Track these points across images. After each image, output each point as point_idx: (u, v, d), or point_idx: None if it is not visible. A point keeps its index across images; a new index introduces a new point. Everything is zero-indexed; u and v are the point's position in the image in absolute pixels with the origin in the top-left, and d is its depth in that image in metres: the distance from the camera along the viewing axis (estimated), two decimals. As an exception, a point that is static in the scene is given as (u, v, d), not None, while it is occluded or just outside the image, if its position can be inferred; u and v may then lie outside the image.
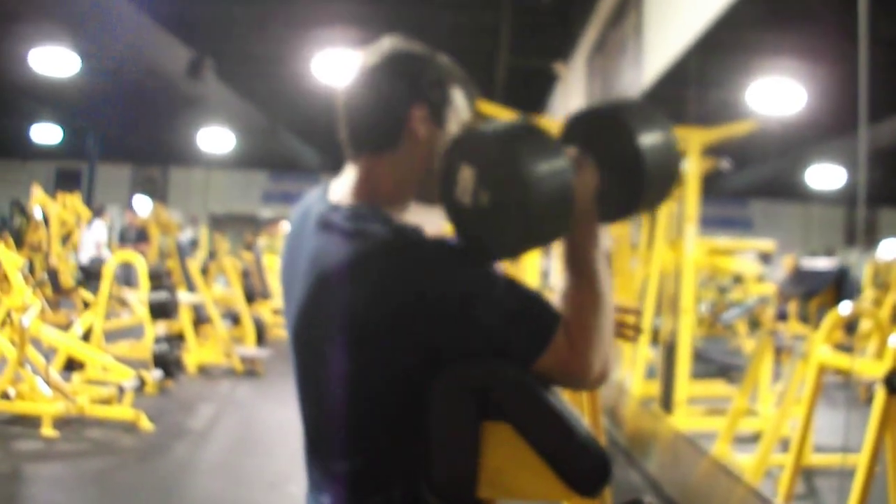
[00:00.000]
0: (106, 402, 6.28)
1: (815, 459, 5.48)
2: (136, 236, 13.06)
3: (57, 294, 8.67)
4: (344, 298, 1.50)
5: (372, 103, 1.61)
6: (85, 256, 8.61)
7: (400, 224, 1.53)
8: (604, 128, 1.68)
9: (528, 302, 1.50)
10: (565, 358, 1.49)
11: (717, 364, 9.92)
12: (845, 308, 4.65)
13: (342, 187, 1.65)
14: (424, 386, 1.48)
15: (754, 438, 6.04)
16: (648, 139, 1.64)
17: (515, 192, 1.46)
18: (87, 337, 7.10)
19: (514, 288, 1.49)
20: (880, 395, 3.54)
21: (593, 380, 1.53)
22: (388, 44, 1.64)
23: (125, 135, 19.16)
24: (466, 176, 1.52)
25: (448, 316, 1.46)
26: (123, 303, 9.31)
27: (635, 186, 1.66)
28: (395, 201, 1.62)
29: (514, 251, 1.59)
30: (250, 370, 8.96)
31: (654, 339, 7.82)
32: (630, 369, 8.19)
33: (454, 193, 1.55)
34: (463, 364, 1.48)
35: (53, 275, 8.48)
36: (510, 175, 1.47)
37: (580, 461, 1.49)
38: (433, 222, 1.72)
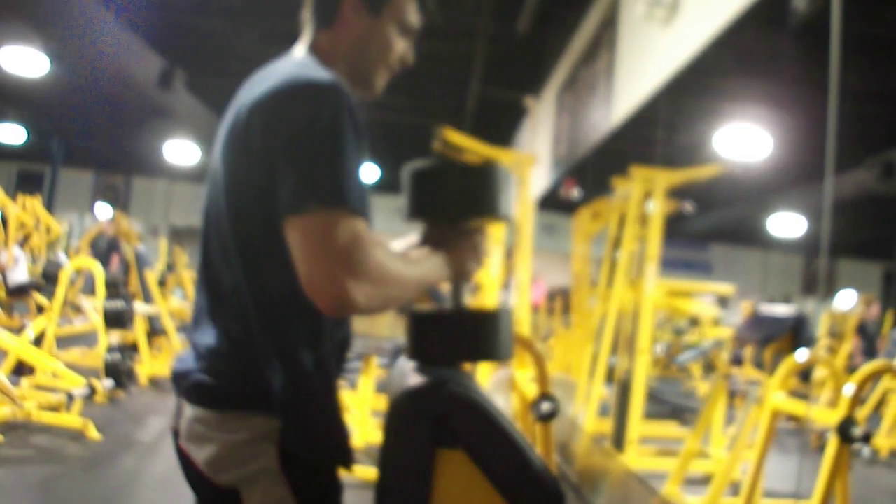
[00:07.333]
0: (54, 408, 6.21)
1: (764, 504, 5.51)
2: (107, 246, 12.90)
3: (10, 297, 8.57)
4: (243, 120, 1.51)
5: None
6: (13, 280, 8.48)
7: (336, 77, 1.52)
8: None
9: (336, 166, 1.41)
10: (327, 240, 1.38)
11: (671, 405, 9.95)
12: (801, 355, 4.69)
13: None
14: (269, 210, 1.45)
15: (705, 481, 6.06)
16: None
17: None
18: (38, 342, 7.02)
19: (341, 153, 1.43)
20: (833, 443, 3.57)
21: (338, 296, 1.36)
22: None
23: (90, 140, 18.96)
24: None
25: (278, 136, 1.44)
26: (78, 309, 9.21)
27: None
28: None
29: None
30: (203, 385, 8.85)
31: (609, 377, 7.84)
32: (583, 406, 8.20)
33: None
34: (420, 389, 1.47)
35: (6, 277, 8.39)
36: None
37: (534, 492, 1.48)
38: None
